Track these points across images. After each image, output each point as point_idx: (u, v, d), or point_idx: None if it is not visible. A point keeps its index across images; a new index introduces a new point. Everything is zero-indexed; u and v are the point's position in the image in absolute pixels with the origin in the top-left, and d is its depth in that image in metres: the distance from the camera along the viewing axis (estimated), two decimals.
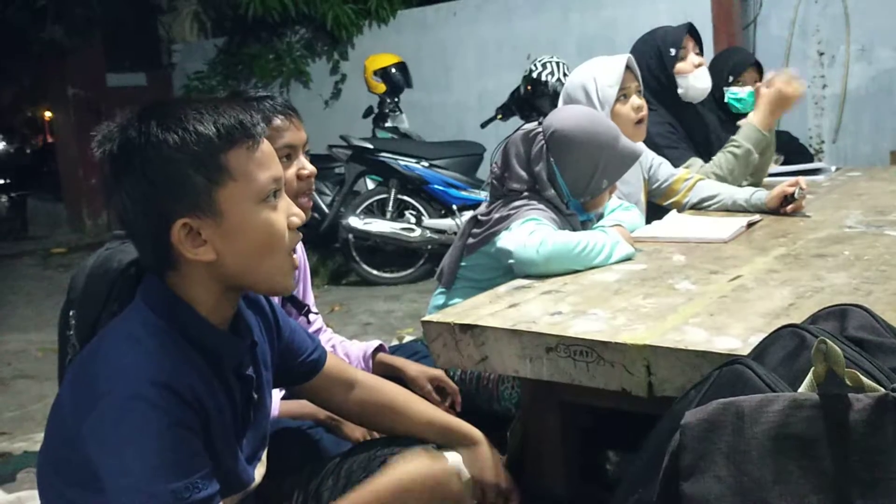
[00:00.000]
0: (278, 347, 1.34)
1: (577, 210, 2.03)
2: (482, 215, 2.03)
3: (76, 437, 1.04)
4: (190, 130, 1.06)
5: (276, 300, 1.40)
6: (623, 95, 2.39)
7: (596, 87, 2.38)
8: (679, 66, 2.78)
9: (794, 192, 2.28)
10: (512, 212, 1.92)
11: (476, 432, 1.47)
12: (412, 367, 1.90)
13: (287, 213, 1.15)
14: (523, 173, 1.99)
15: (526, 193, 1.97)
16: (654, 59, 2.80)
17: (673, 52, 2.77)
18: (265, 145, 1.13)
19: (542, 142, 1.98)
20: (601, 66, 2.42)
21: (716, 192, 2.51)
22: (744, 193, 2.45)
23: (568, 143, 1.96)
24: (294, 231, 1.16)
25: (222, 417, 1.14)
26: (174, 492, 1.01)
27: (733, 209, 2.45)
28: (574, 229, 1.99)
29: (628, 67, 2.41)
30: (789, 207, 2.29)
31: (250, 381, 1.22)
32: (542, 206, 1.93)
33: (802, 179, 2.32)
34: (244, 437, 1.22)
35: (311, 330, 1.92)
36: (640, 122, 2.42)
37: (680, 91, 2.81)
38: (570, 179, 1.97)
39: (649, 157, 2.59)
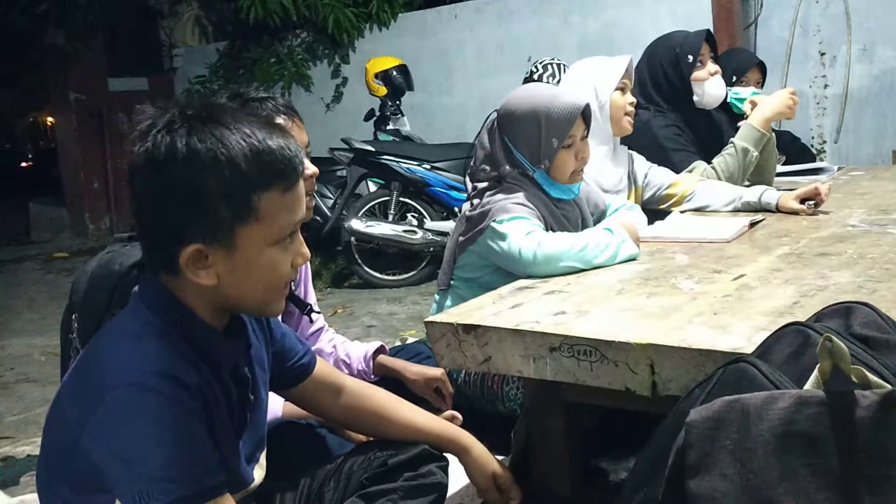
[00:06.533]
0: (272, 349, 1.34)
1: (546, 182, 2.03)
2: (469, 212, 2.04)
3: (78, 437, 1.04)
4: (234, 160, 1.05)
5: None
6: (620, 89, 2.44)
7: (597, 76, 2.43)
8: (696, 73, 2.80)
9: (811, 199, 2.28)
10: (489, 206, 1.95)
11: (465, 439, 1.45)
12: (411, 370, 1.90)
13: (294, 253, 1.15)
14: (486, 159, 2.05)
15: (494, 176, 2.02)
16: (669, 65, 2.81)
17: (691, 58, 2.77)
18: (299, 187, 1.12)
19: (494, 124, 2.06)
20: (603, 61, 2.50)
21: (720, 195, 2.48)
22: (752, 193, 2.42)
23: (511, 116, 2.03)
24: (295, 268, 1.16)
25: (221, 416, 1.14)
26: (196, 477, 1.01)
27: (743, 210, 2.42)
28: (553, 214, 2.02)
29: (627, 68, 2.47)
30: (801, 209, 2.29)
31: (247, 381, 1.22)
32: (515, 195, 1.95)
33: (824, 189, 2.31)
34: (242, 438, 1.22)
35: (312, 329, 1.92)
36: (627, 114, 2.46)
37: (696, 98, 2.82)
38: (525, 149, 2.02)
39: (644, 165, 2.56)
